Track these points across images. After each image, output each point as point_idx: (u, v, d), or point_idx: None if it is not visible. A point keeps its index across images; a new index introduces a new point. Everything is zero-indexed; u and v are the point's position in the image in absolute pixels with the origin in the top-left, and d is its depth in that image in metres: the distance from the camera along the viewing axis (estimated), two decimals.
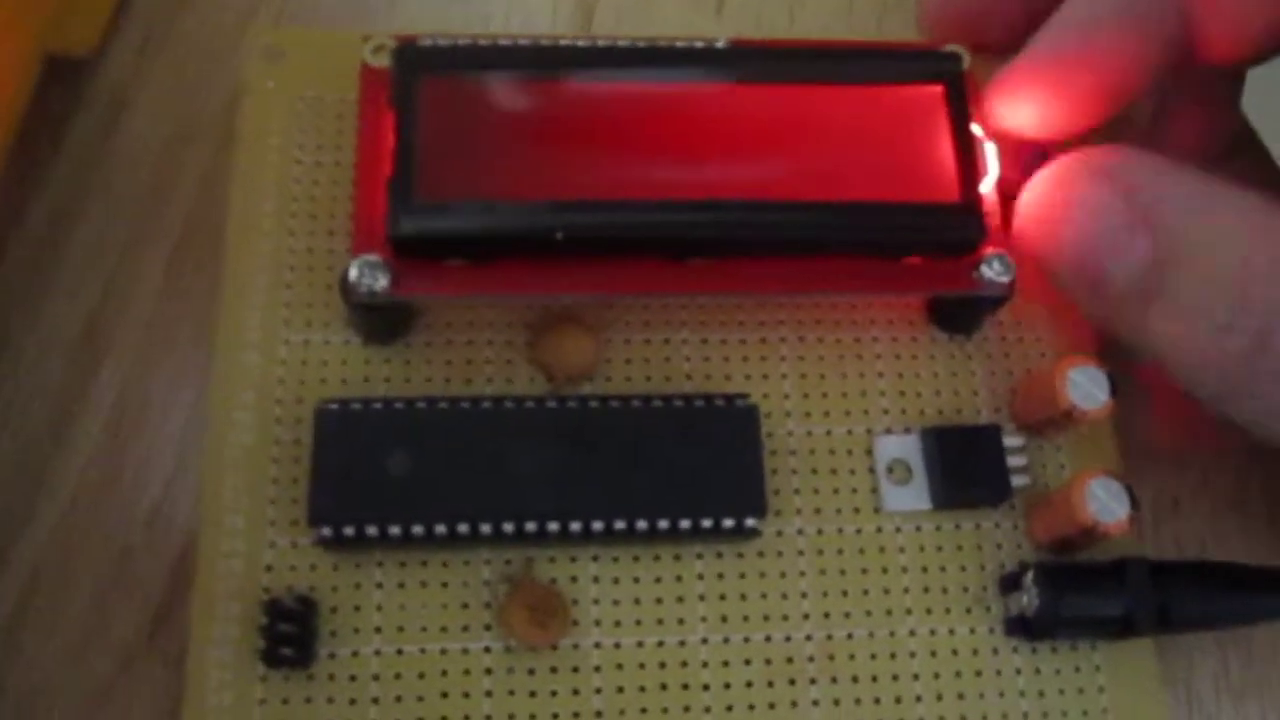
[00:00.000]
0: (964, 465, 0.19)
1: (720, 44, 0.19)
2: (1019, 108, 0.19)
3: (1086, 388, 0.18)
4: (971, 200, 0.18)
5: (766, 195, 0.18)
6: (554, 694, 0.18)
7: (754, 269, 0.18)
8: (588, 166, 0.18)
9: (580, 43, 0.19)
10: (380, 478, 0.17)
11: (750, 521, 0.18)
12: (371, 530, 0.17)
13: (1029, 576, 0.18)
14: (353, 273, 0.17)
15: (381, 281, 0.17)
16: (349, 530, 0.17)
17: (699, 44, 0.19)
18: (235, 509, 0.18)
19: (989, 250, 0.19)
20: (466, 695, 0.17)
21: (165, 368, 0.20)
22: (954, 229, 0.18)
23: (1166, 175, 0.18)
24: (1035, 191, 0.19)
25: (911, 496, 0.19)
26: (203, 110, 0.21)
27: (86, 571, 0.18)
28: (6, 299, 0.20)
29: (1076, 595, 0.18)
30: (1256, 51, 0.18)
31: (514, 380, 0.19)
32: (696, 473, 0.18)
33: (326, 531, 0.17)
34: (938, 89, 0.19)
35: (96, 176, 0.21)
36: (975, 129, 0.19)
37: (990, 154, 0.19)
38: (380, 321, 0.19)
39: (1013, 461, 0.19)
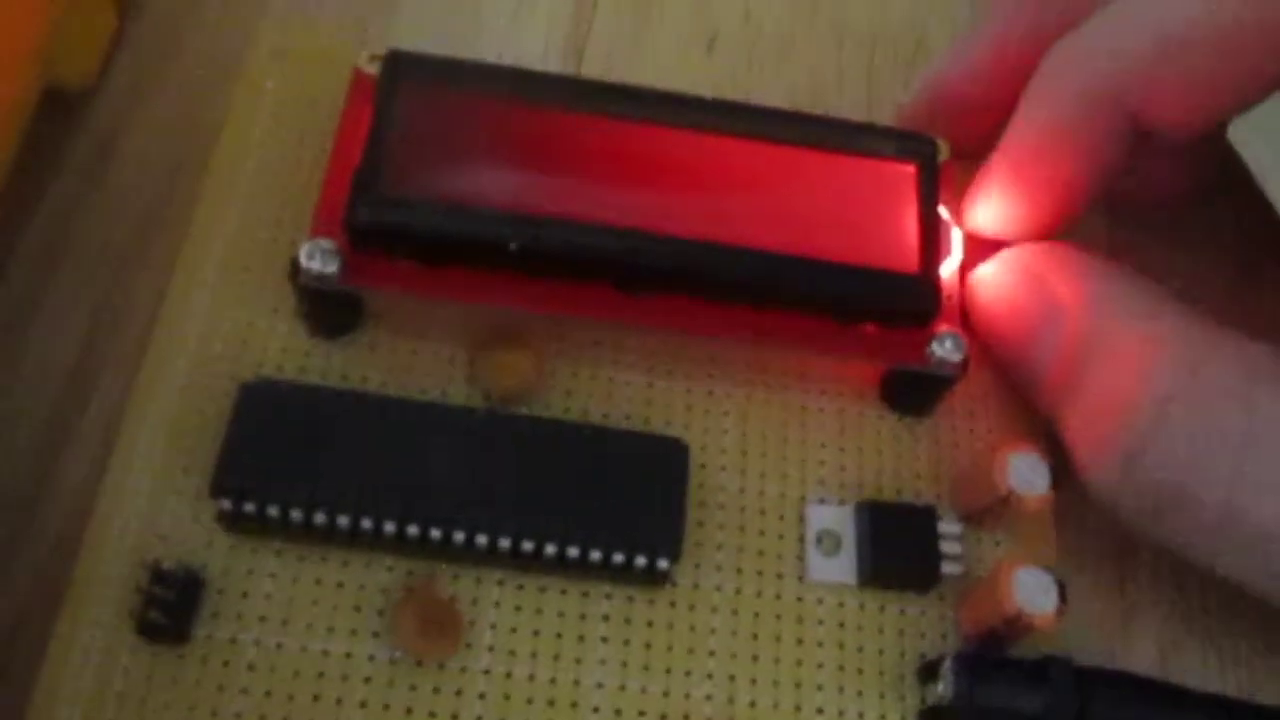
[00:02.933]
0: (895, 545, 0.18)
1: (707, 97, 0.19)
2: (986, 213, 0.19)
3: (1026, 475, 0.18)
4: (929, 274, 0.18)
5: (725, 239, 0.18)
6: (432, 715, 0.17)
7: (705, 312, 0.18)
8: (553, 188, 0.18)
9: (574, 78, 0.19)
10: (292, 460, 0.17)
11: (662, 564, 0.17)
12: (272, 511, 0.17)
13: (947, 664, 0.17)
14: (303, 254, 0.17)
15: (331, 267, 0.17)
16: (249, 507, 0.17)
17: (687, 94, 0.19)
18: (143, 471, 0.17)
19: (943, 328, 0.18)
20: (339, 701, 0.17)
21: None
22: (908, 298, 0.18)
23: (1092, 280, 0.18)
24: (975, 283, 0.19)
25: (838, 569, 0.18)
26: (195, 146, 0.21)
27: None
28: None
29: (994, 687, 0.17)
30: (1206, 131, 0.18)
31: (449, 394, 0.19)
32: (616, 505, 0.17)
33: (226, 504, 0.17)
34: (911, 168, 0.19)
35: (90, 209, 0.20)
36: (943, 212, 0.19)
37: (956, 239, 0.19)
38: (327, 312, 0.19)
39: (947, 548, 0.18)
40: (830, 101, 0.23)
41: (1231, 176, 0.21)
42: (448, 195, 0.18)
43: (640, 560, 0.17)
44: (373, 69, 0.19)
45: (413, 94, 0.18)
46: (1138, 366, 0.17)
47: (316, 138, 0.20)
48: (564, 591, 0.18)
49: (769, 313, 0.18)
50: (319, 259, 0.17)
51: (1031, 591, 0.17)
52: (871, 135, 0.19)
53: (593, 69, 0.23)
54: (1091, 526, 0.19)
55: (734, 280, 0.18)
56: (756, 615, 0.18)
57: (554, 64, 0.23)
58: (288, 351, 0.19)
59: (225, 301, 0.19)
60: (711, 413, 0.19)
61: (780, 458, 0.19)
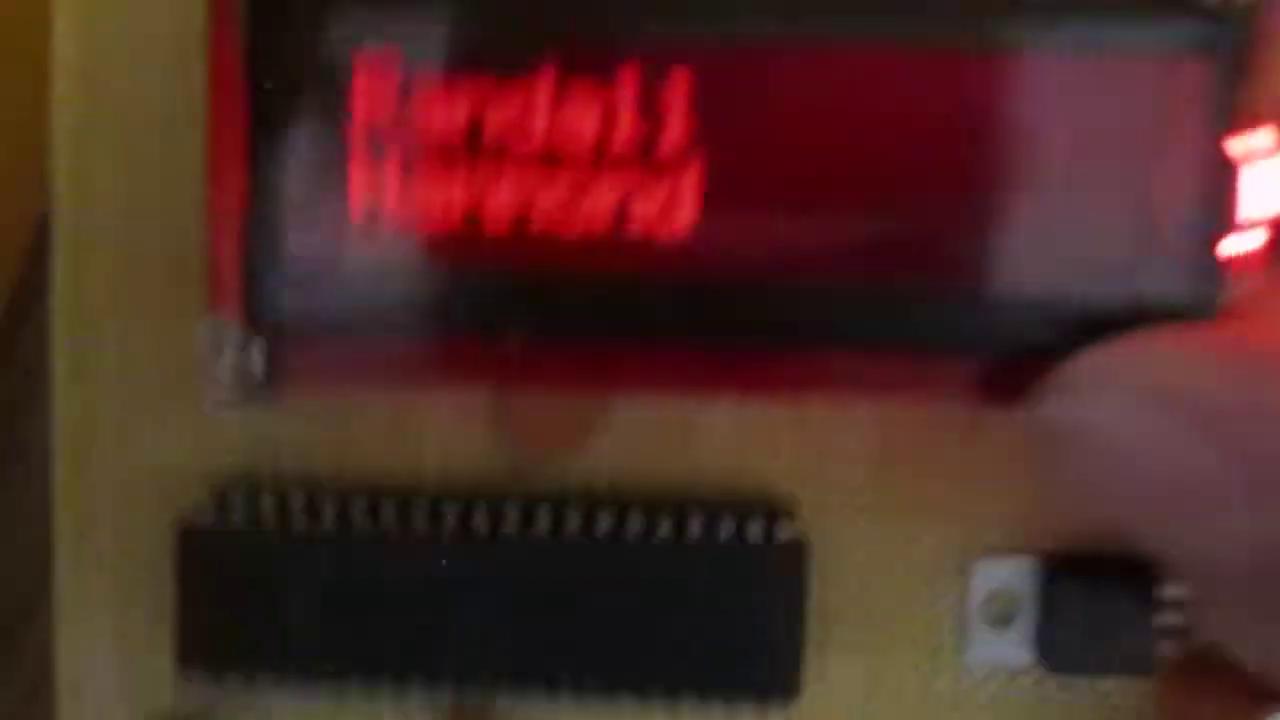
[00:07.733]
0: (1092, 611, 0.14)
1: None
2: None
3: None
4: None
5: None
6: None
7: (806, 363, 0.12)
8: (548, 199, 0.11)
9: None
10: (270, 615, 0.13)
11: (777, 704, 0.13)
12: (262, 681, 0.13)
13: None
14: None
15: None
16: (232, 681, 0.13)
17: None
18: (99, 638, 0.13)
19: None
20: None
21: None
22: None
23: None
24: None
25: (1010, 646, 0.14)
26: None
27: None
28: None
29: None
30: None
31: (454, 462, 0.13)
32: (709, 634, 0.13)
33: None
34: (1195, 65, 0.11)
35: None
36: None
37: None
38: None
39: (1163, 619, 0.13)
40: None
41: None
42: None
43: (746, 705, 0.13)
44: None
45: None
46: None
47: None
48: None
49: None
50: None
51: None
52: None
53: None
54: None
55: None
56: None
57: None
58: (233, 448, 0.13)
59: (124, 409, 0.13)
60: (825, 452, 0.14)
61: (925, 498, 0.14)
